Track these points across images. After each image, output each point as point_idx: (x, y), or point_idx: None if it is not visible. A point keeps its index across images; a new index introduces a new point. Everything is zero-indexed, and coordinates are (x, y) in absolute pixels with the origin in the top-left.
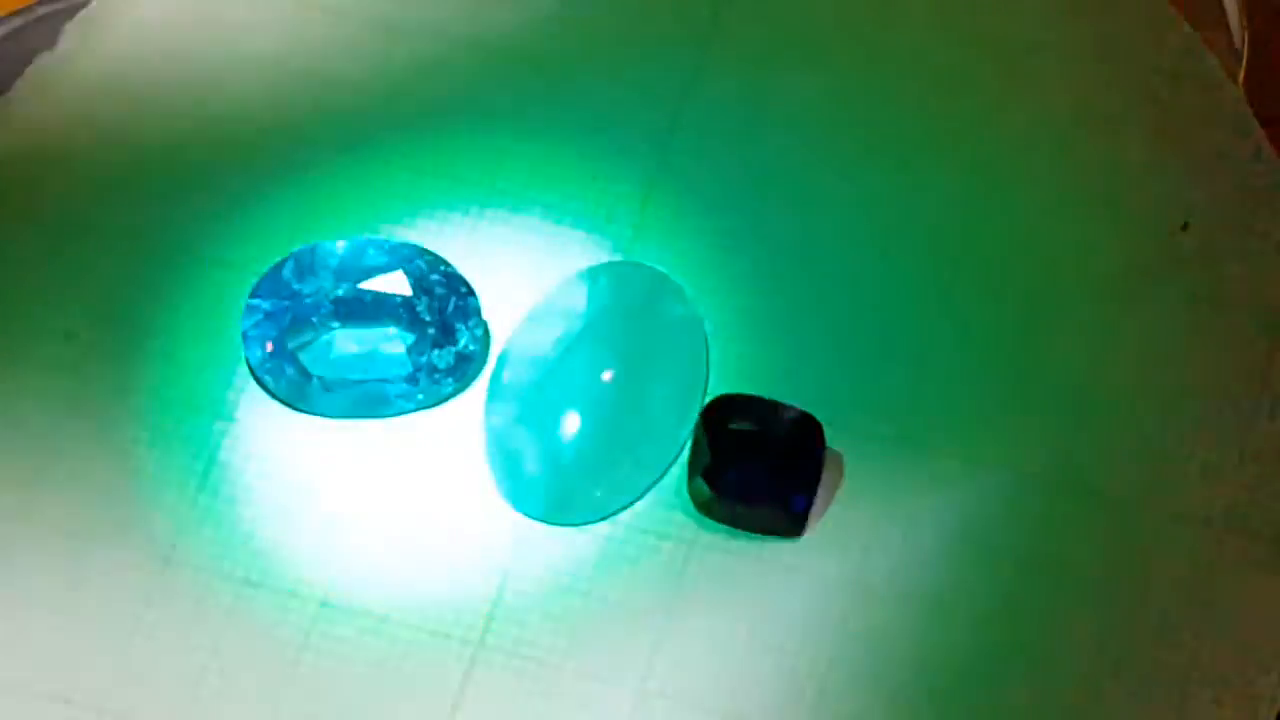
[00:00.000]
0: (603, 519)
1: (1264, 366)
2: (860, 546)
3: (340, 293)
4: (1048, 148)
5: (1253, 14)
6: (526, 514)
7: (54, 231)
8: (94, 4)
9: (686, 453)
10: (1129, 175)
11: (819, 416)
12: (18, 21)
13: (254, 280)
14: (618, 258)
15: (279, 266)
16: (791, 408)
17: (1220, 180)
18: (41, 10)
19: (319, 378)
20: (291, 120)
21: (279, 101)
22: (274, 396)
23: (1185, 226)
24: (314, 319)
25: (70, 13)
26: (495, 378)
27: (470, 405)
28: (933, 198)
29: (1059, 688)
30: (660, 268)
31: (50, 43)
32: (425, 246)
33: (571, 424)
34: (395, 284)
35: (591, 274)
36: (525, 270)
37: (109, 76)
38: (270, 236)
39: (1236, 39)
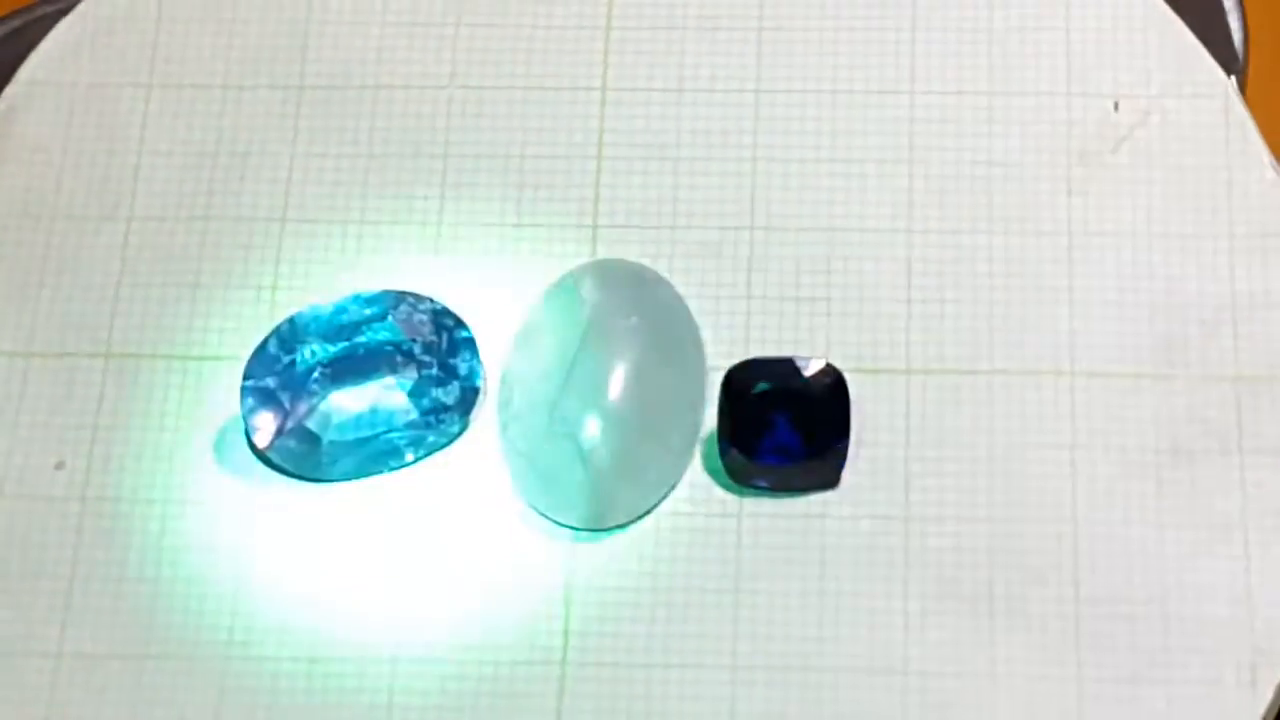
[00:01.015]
0: (647, 513)
1: None
2: (898, 479)
3: (331, 354)
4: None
5: (1253, 14)
6: (573, 527)
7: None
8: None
9: (711, 431)
10: None
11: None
12: (18, 21)
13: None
14: (588, 257)
15: (264, 344)
16: (807, 359)
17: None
18: (42, 10)
19: (327, 444)
20: (225, 203)
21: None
22: (285, 472)
23: (1116, 106)
24: (311, 386)
25: (69, 14)
26: (504, 403)
27: (478, 436)
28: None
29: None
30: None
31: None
32: (402, 289)
33: (595, 428)
34: (384, 332)
35: (571, 279)
36: (502, 288)
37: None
38: (245, 320)
39: (1236, 39)
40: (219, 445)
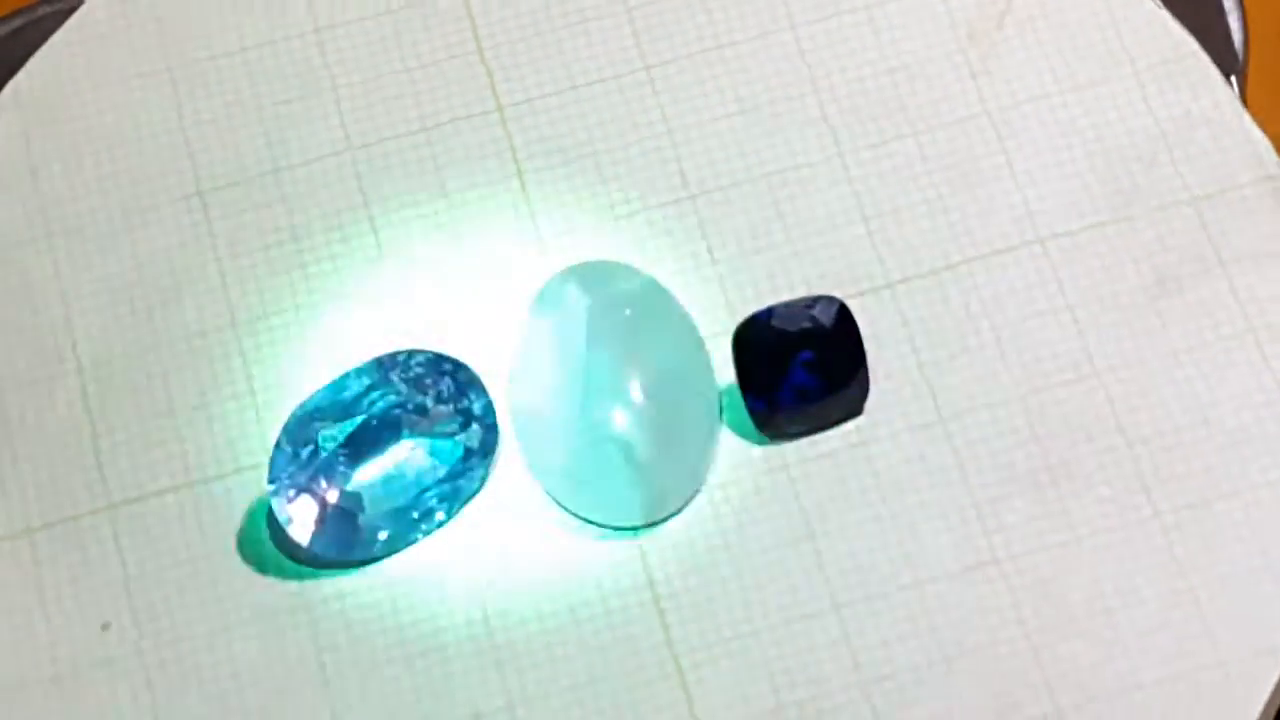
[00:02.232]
0: (696, 493)
1: None
2: (920, 387)
3: (348, 432)
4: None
5: (1253, 14)
6: (634, 527)
7: None
8: None
9: (731, 395)
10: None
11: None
12: (18, 21)
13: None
14: (544, 270)
15: (277, 446)
16: (808, 299)
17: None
18: (42, 10)
19: (366, 519)
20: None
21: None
22: (327, 565)
23: None
24: (337, 470)
25: (69, 14)
26: (523, 432)
27: (506, 473)
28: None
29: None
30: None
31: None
32: (388, 352)
33: (629, 424)
34: (390, 396)
35: (552, 294)
36: (478, 323)
37: None
38: (234, 432)
39: (1236, 39)
40: (254, 560)
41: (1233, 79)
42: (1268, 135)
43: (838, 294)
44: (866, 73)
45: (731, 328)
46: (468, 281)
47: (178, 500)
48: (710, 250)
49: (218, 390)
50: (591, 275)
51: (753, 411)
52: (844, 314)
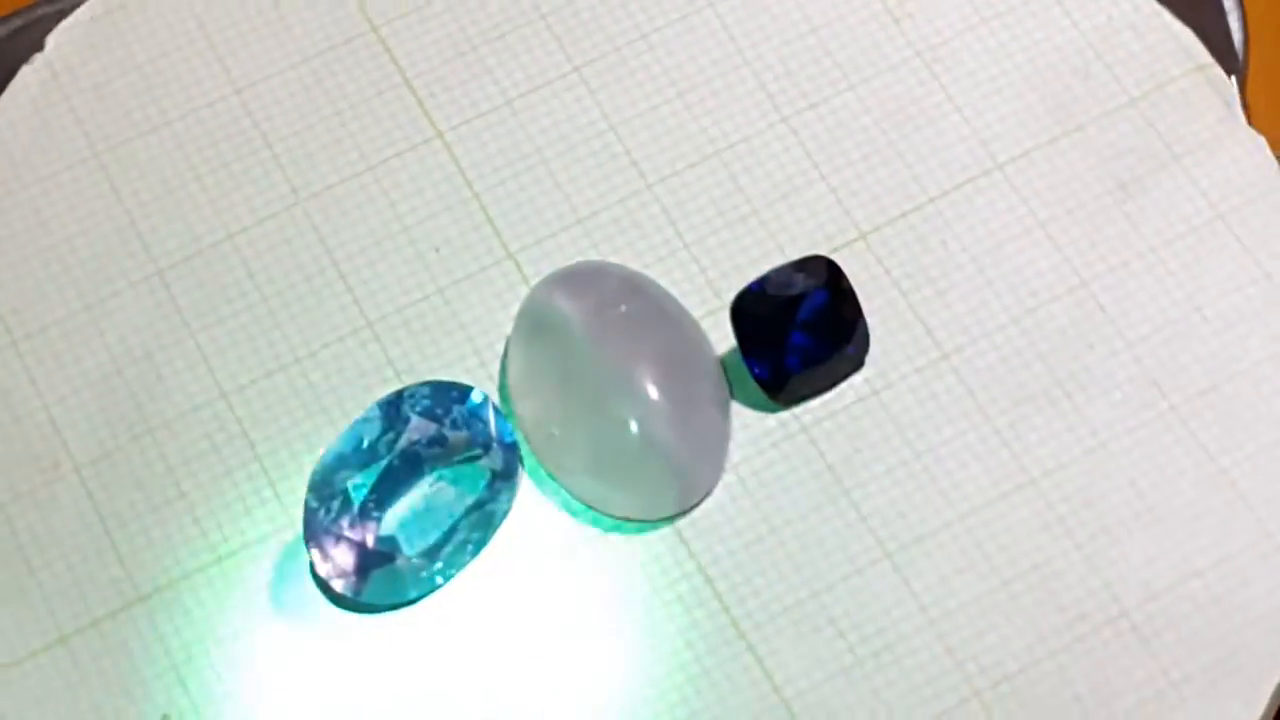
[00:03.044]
0: (723, 473)
1: None
2: (915, 329)
3: (372, 478)
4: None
5: (1253, 14)
6: (668, 517)
7: None
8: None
9: (735, 370)
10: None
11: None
12: (18, 21)
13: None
14: (522, 287)
15: (306, 506)
16: (795, 262)
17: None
18: (42, 10)
19: (407, 558)
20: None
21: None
22: (376, 610)
23: None
24: (369, 518)
25: (69, 14)
26: (539, 445)
27: (526, 490)
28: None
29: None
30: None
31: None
32: (395, 390)
33: (649, 417)
34: (406, 435)
35: (539, 305)
36: (468, 353)
37: None
38: (251, 501)
39: (1237, 39)
40: (301, 620)
41: (1233, 79)
42: (1268, 135)
43: (815, 245)
44: (791, 36)
45: (718, 306)
46: (447, 308)
47: (209, 578)
48: (680, 235)
49: (224, 462)
50: (574, 280)
51: (761, 382)
52: (834, 270)
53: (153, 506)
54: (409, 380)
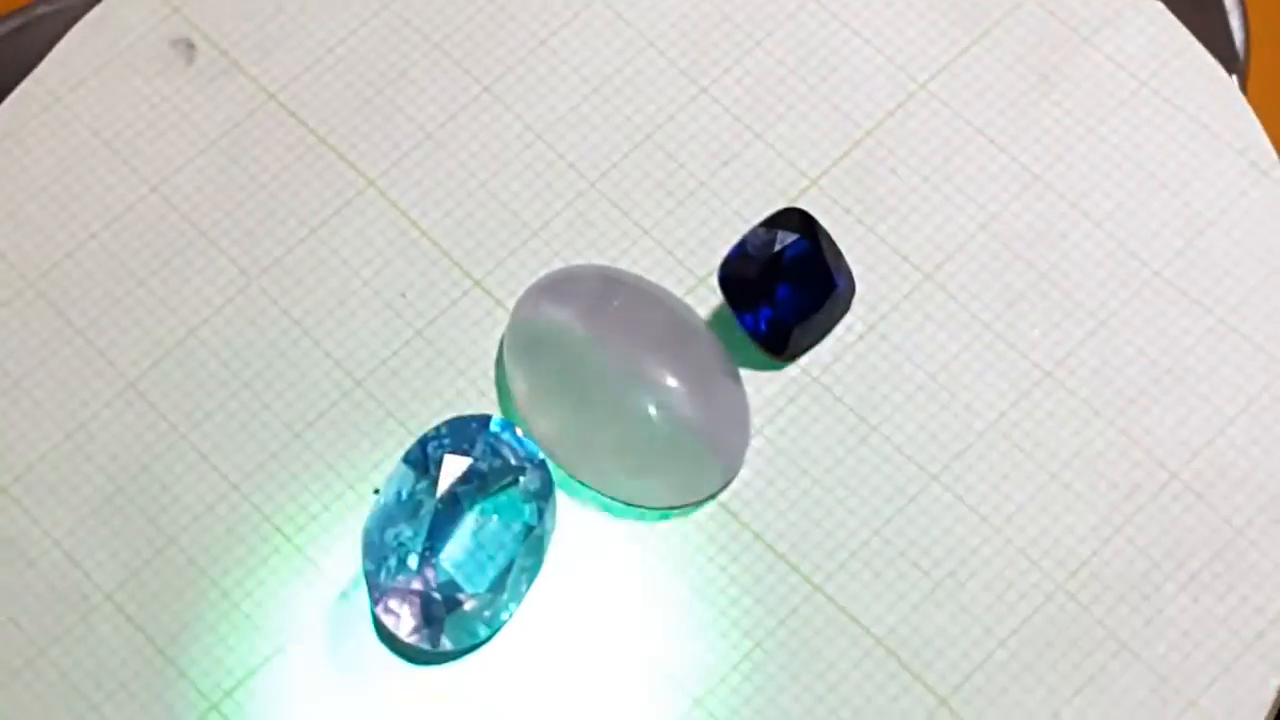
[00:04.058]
0: (751, 437)
1: None
2: (891, 258)
3: (423, 528)
4: None
5: (1253, 14)
6: (713, 494)
7: None
8: None
9: (735, 339)
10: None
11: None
12: (17, 21)
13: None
14: (502, 310)
15: (364, 569)
16: (769, 218)
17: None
18: (41, 10)
19: (471, 603)
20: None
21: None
22: (459, 654)
23: None
24: (427, 568)
25: (69, 14)
26: (566, 457)
27: (563, 504)
28: None
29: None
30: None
31: (51, 43)
32: (415, 441)
33: (670, 407)
34: (444, 478)
35: (525, 320)
36: (468, 373)
37: None
38: (296, 586)
39: (1237, 39)
40: (387, 684)
41: (1234, 78)
42: (1268, 134)
43: (772, 201)
44: (686, 8)
45: (694, 283)
46: (430, 349)
47: (275, 669)
48: (637, 223)
49: (254, 551)
50: (556, 289)
51: (763, 341)
52: (806, 219)
53: (197, 613)
54: (414, 428)
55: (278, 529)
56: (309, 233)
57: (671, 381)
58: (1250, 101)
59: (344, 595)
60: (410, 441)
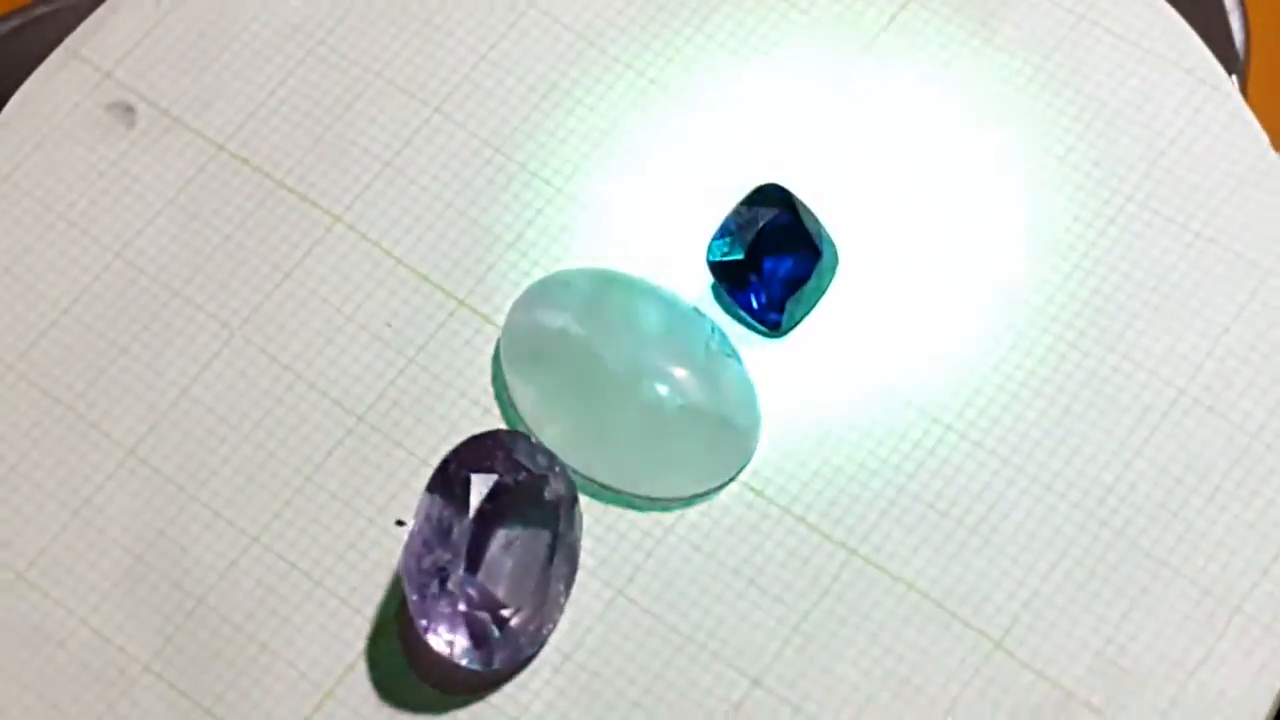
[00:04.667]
0: (761, 414)
1: None
2: (867, 217)
3: (460, 551)
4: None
5: (1253, 14)
6: (734, 477)
7: None
8: None
9: (730, 318)
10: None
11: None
12: (16, 21)
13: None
14: (491, 330)
15: (411, 600)
16: (747, 197)
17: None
18: (40, 10)
19: (517, 618)
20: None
21: None
22: (505, 673)
23: None
24: (469, 589)
25: (69, 15)
26: (584, 461)
27: (588, 509)
28: None
29: None
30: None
31: (49, 43)
32: (436, 469)
33: (683, 397)
34: (472, 498)
35: (520, 333)
36: (466, 396)
37: None
38: (345, 633)
39: (1237, 39)
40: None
41: (1234, 78)
42: (1268, 134)
43: (734, 186)
44: (620, 5)
45: (679, 271)
46: (426, 374)
47: (327, 715)
48: (611, 222)
49: (287, 600)
50: (547, 296)
51: (757, 319)
52: (783, 192)
53: (241, 669)
54: (423, 454)
55: (306, 574)
56: (284, 277)
57: (677, 369)
58: (1250, 101)
59: (383, 630)
60: (422, 468)
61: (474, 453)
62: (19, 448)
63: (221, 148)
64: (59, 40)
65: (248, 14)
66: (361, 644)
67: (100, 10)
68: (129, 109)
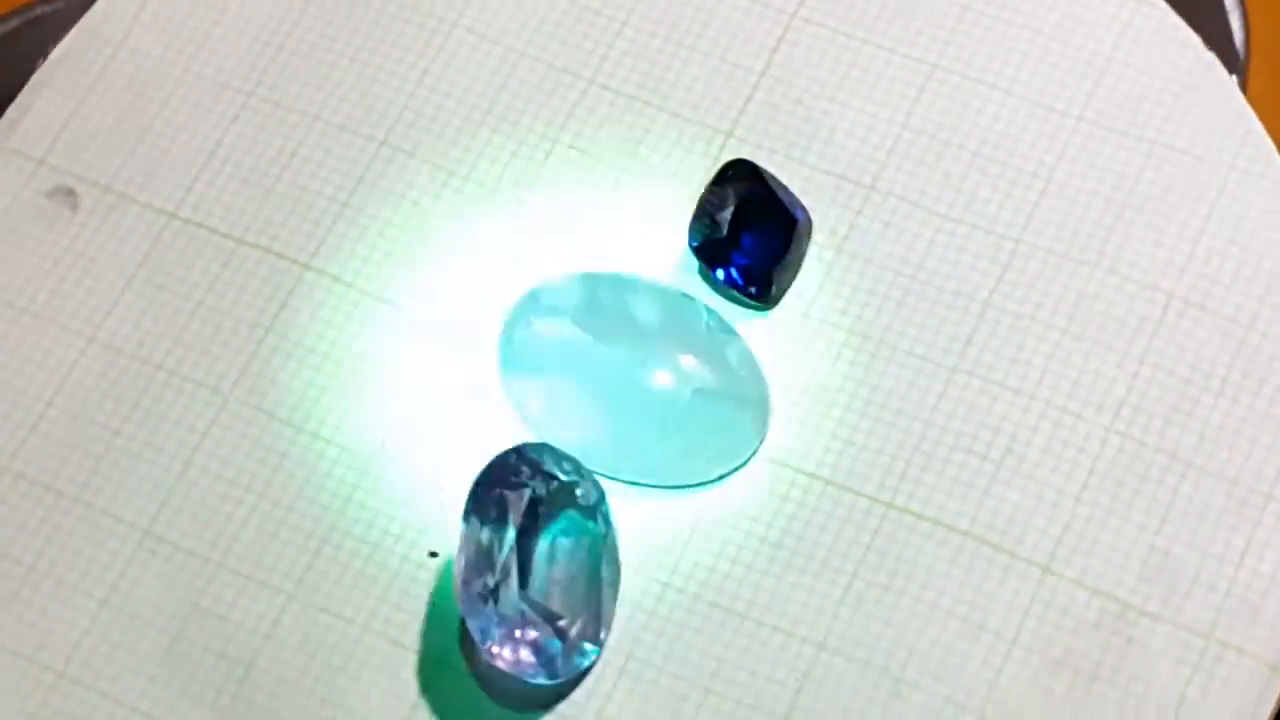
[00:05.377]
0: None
1: None
2: (836, 185)
3: (509, 568)
4: None
5: (1253, 14)
6: (755, 450)
7: None
8: None
9: (714, 300)
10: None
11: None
12: (16, 21)
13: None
14: (490, 334)
15: (468, 627)
16: (716, 176)
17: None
18: (40, 10)
19: (575, 627)
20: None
21: None
22: (571, 684)
23: None
24: (526, 604)
25: (69, 14)
26: (601, 459)
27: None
28: None
29: None
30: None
31: (48, 43)
32: (467, 497)
33: (694, 380)
34: (512, 516)
35: (520, 342)
36: (465, 419)
37: None
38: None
39: (1237, 39)
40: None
41: (1233, 78)
42: (1269, 134)
43: (698, 165)
44: (543, 11)
45: (653, 264)
46: (432, 401)
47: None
48: (581, 225)
49: (339, 651)
50: (541, 305)
51: (746, 293)
52: (750, 166)
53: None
54: (443, 481)
55: (350, 620)
56: (265, 332)
57: (683, 356)
58: (1250, 101)
59: (443, 661)
60: (444, 495)
61: (501, 472)
62: (33, 547)
63: (173, 215)
64: (59, 40)
65: (171, 78)
66: (422, 679)
67: (20, 98)
68: (70, 193)
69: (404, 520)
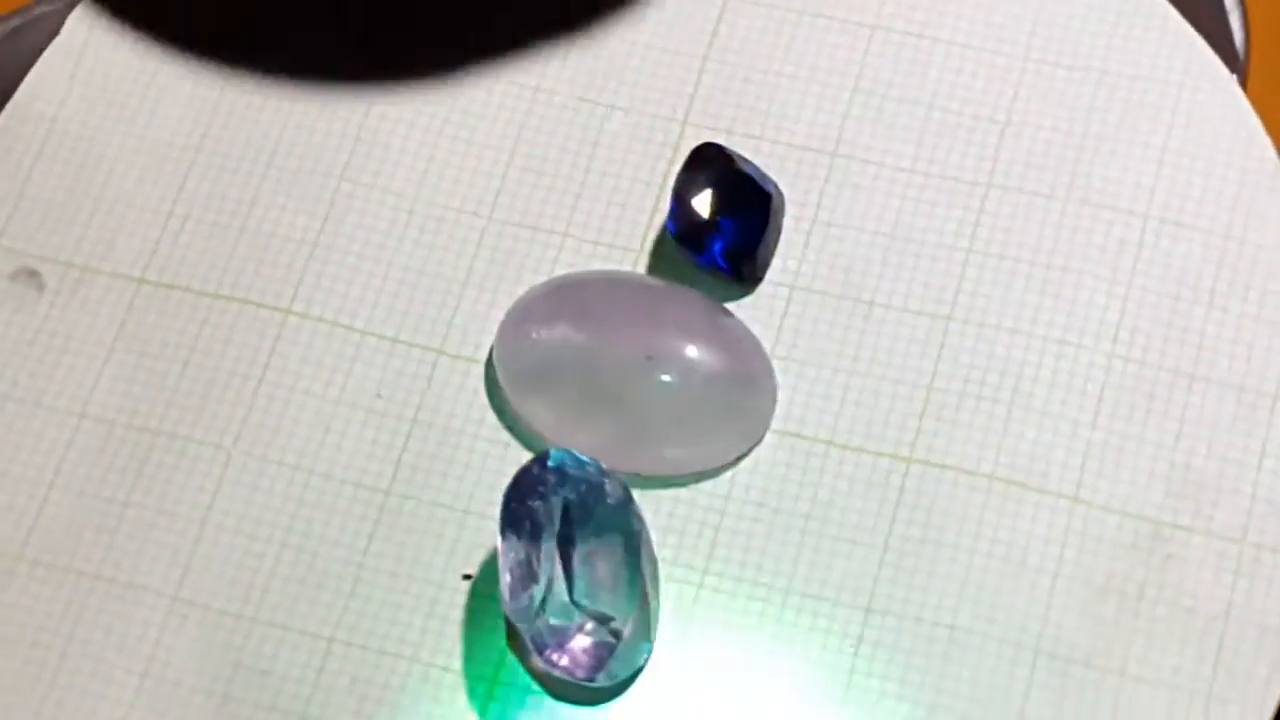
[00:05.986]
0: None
1: None
2: (802, 158)
3: (556, 580)
4: None
5: (1253, 14)
6: (771, 419)
7: None
8: None
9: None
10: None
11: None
12: (16, 21)
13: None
14: (476, 356)
15: (521, 643)
16: (685, 164)
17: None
18: (40, 10)
19: (628, 626)
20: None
21: None
22: (627, 683)
23: None
24: (577, 611)
25: (68, 14)
26: (624, 460)
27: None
28: None
29: None
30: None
31: (48, 42)
32: (499, 516)
33: (704, 367)
34: (548, 527)
35: (519, 360)
36: (472, 431)
37: None
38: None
39: (1237, 39)
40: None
41: (1234, 77)
42: (1270, 134)
43: (661, 155)
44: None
45: (633, 258)
46: (436, 427)
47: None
48: (552, 231)
49: (388, 686)
50: (535, 313)
51: (731, 273)
52: (716, 148)
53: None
54: (464, 505)
55: (396, 655)
56: (258, 382)
57: (686, 344)
58: (1250, 101)
59: (493, 680)
60: (466, 519)
61: (528, 484)
62: (62, 631)
63: (142, 280)
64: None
65: (114, 144)
66: (476, 701)
67: None
68: (33, 273)
69: (432, 548)
